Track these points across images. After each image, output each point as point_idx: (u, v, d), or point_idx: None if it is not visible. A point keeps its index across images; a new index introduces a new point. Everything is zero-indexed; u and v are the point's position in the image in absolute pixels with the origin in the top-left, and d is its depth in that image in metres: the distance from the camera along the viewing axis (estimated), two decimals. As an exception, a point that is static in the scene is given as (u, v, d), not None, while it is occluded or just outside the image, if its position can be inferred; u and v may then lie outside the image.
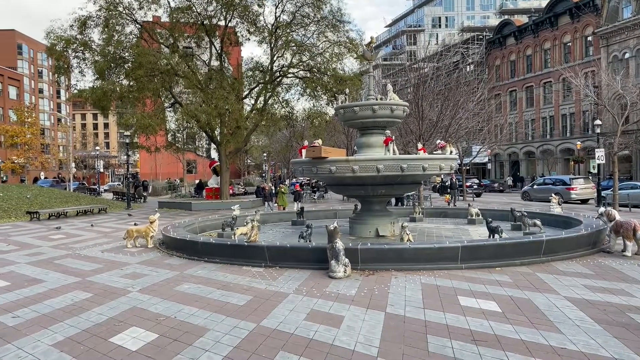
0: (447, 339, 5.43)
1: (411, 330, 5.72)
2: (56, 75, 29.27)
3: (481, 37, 58.73)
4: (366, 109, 12.31)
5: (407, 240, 10.40)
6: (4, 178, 59.78)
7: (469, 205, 17.05)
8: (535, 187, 32.22)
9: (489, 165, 57.56)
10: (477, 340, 5.35)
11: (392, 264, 9.17)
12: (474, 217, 15.68)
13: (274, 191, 26.76)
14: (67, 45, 25.17)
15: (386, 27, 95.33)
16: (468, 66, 55.53)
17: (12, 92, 68.23)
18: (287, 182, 50.73)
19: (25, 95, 76.46)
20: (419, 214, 17.00)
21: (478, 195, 36.51)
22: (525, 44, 51.77)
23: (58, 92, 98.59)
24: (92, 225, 18.61)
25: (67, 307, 7.05)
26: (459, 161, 27.45)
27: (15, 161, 56.13)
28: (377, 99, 13.18)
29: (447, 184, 38.95)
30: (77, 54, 25.88)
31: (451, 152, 13.14)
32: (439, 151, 13.14)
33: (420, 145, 13.89)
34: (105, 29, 25.08)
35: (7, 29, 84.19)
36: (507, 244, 9.75)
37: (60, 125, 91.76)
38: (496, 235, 10.82)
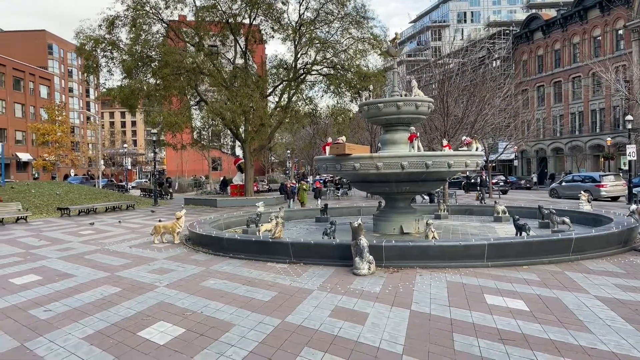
0: (473, 337, 5.38)
1: (437, 328, 5.68)
2: (85, 74, 29.89)
3: (508, 31, 57.73)
4: (390, 105, 12.24)
5: (432, 238, 10.32)
6: (36, 175, 61.46)
7: (495, 202, 16.80)
8: (563, 184, 31.54)
9: (516, 162, 56.58)
10: (504, 339, 5.27)
11: (417, 262, 9.12)
12: (500, 215, 15.46)
13: (295, 189, 26.83)
14: (95, 44, 25.70)
15: (410, 22, 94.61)
16: (494, 61, 54.59)
17: (43, 91, 69.94)
18: (310, 179, 50.83)
19: (55, 94, 78.34)
20: (443, 211, 16.83)
21: (504, 192, 35.91)
22: (553, 39, 50.65)
23: (87, 91, 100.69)
24: (119, 221, 18.98)
25: (96, 301, 7.22)
26: (484, 158, 27.02)
27: (47, 158, 57.61)
28: (401, 96, 13.09)
29: (472, 181, 38.57)
30: (105, 53, 26.41)
31: (477, 148, 12.99)
32: (465, 148, 12.99)
33: (445, 142, 13.76)
34: (133, 29, 25.51)
35: (38, 30, 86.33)
36: (534, 241, 9.58)
37: (89, 123, 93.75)
38: (523, 233, 10.64)
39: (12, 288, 8.14)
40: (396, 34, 13.85)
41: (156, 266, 9.87)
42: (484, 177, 27.79)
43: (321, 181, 43.89)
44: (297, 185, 27.78)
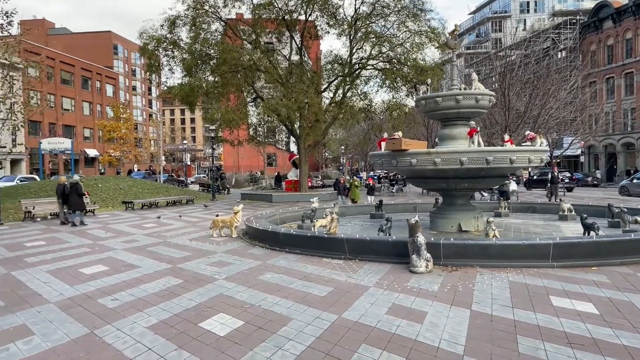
0: (539, 340, 5.13)
1: (499, 330, 5.47)
2: (148, 73, 31.14)
3: (574, 21, 54.81)
4: (449, 99, 11.93)
5: (493, 236, 9.98)
6: (102, 170, 64.77)
7: (560, 200, 16.03)
8: (635, 181, 29.65)
9: (582, 158, 53.70)
10: (572, 344, 5.00)
11: (477, 261, 8.83)
12: (565, 213, 14.74)
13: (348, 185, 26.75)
14: (157, 44, 26.69)
15: (470, 14, 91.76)
16: (559, 52, 52.05)
17: (109, 89, 73.45)
18: (362, 174, 50.57)
19: (120, 92, 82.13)
20: (504, 208, 16.25)
21: (570, 189, 34.20)
22: (624, 27, 47.60)
23: (149, 89, 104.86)
24: (180, 215, 19.59)
25: (160, 291, 7.47)
26: (549, 153, 25.84)
27: (112, 154, 60.57)
28: (460, 89, 12.73)
29: (534, 177, 37.00)
30: (167, 52, 27.37)
31: (541, 143, 12.42)
32: (528, 143, 12.47)
33: (506, 137, 13.25)
34: (193, 27, 26.28)
35: (104, 31, 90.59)
36: (604, 242, 9.04)
37: (151, 120, 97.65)
38: (592, 233, 10.06)
39: (82, 277, 8.57)
40: (455, 25, 13.47)
41: (215, 259, 10.11)
42: (555, 173, 26.44)
43: (375, 177, 43.54)
44: (349, 180, 27.63)
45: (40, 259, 10.42)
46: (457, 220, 12.31)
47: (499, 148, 12.57)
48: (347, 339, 5.28)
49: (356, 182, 24.63)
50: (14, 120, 22.66)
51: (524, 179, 38.63)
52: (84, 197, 17.76)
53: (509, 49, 33.78)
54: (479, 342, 5.10)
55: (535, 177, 36.96)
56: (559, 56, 50.91)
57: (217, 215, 14.42)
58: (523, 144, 12.81)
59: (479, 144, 11.53)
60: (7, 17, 20.55)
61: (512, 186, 22.34)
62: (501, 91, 24.30)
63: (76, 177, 18.83)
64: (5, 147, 26.64)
